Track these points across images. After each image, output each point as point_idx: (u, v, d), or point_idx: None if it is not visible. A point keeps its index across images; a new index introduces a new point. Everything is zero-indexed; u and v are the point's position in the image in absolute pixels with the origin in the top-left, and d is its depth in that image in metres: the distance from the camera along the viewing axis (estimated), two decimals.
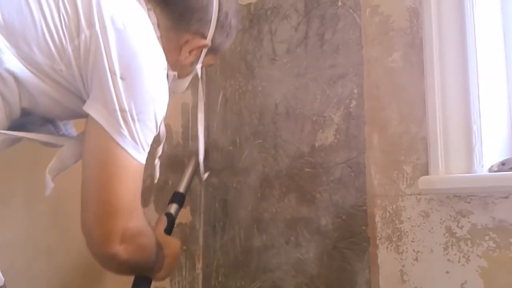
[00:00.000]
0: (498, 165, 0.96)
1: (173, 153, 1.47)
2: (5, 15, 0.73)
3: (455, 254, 0.98)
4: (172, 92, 0.92)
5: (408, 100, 1.07)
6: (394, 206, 1.07)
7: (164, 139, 0.96)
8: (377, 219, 1.09)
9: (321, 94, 1.22)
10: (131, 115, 0.75)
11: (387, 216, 1.08)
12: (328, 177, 1.19)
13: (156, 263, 0.92)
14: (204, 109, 1.46)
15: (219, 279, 1.41)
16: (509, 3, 1.06)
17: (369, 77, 1.14)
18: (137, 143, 0.77)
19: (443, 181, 0.98)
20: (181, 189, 1.27)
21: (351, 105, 1.16)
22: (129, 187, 0.78)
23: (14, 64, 0.74)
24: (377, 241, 1.09)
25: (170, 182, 1.45)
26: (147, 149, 0.79)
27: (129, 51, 0.76)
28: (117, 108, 0.74)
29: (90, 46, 0.75)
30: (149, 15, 0.87)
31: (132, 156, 0.76)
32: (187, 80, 1.00)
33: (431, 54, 1.02)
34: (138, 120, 0.76)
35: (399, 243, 1.06)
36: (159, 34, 0.88)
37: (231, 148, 1.43)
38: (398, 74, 1.09)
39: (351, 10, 1.19)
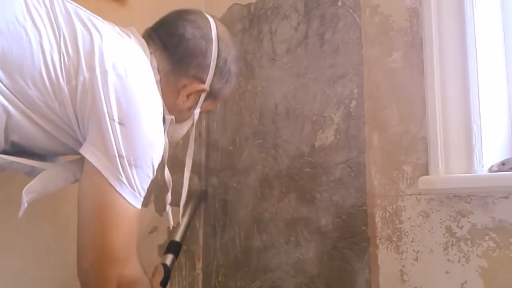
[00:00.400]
0: (498, 165, 0.96)
1: (173, 153, 1.47)
2: (4, 45, 0.71)
3: (455, 254, 0.98)
4: (170, 136, 0.93)
5: (408, 100, 1.07)
6: (394, 206, 1.07)
7: (171, 185, 0.95)
8: (377, 219, 1.09)
9: (321, 94, 1.22)
10: (129, 161, 0.74)
11: (387, 216, 1.08)
12: (328, 177, 1.19)
13: None
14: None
15: (219, 279, 1.41)
16: (509, 3, 1.06)
17: (369, 77, 1.14)
18: (134, 189, 0.76)
19: (443, 181, 0.98)
20: (178, 237, 1.23)
21: (351, 105, 1.16)
22: (125, 233, 0.77)
23: (5, 95, 0.72)
24: (377, 241, 1.09)
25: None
26: (144, 194, 0.78)
27: (128, 97, 0.76)
28: (116, 153, 0.74)
29: (89, 89, 0.74)
30: (150, 59, 0.87)
31: (129, 203, 0.76)
32: (186, 125, 0.99)
33: (431, 54, 1.02)
34: (136, 166, 0.75)
35: (399, 243, 1.06)
36: (158, 78, 0.88)
37: (231, 148, 1.43)
38: (398, 74, 1.09)
39: (351, 10, 1.19)
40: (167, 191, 0.97)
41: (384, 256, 1.08)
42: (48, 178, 0.80)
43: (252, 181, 1.36)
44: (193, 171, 1.48)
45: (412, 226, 1.04)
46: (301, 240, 1.22)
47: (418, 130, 1.05)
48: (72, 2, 0.83)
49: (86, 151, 0.75)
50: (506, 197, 0.92)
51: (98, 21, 0.82)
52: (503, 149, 1.02)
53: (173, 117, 0.93)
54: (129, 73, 0.77)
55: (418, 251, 1.03)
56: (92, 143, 0.75)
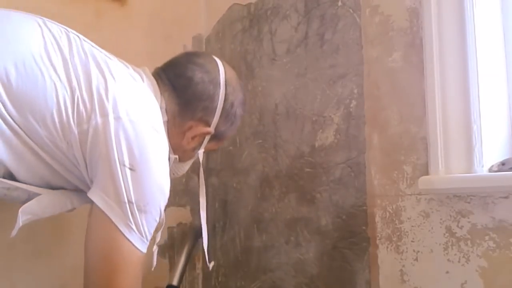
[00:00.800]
0: (498, 165, 0.96)
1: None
2: (19, 83, 0.72)
3: (455, 254, 0.98)
4: (172, 173, 0.92)
5: (408, 100, 1.07)
6: (394, 206, 1.07)
7: (163, 224, 0.95)
8: (377, 219, 1.09)
9: (321, 94, 1.22)
10: (138, 207, 0.75)
11: (387, 216, 1.08)
12: (328, 177, 1.19)
13: None
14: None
15: (219, 279, 1.41)
16: (509, 3, 1.05)
17: (369, 77, 1.14)
18: (142, 235, 0.76)
19: (443, 181, 0.98)
20: (175, 281, 1.22)
21: (351, 105, 1.16)
22: (132, 278, 0.77)
23: (13, 128, 0.73)
24: (377, 241, 1.09)
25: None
26: (150, 238, 0.79)
27: (140, 143, 0.76)
28: (126, 200, 0.74)
29: (101, 134, 0.74)
30: (160, 100, 0.88)
31: (137, 248, 0.76)
32: (188, 164, 1.01)
33: (431, 54, 1.02)
34: (145, 211, 0.76)
35: (399, 243, 1.06)
36: (166, 119, 0.89)
37: (231, 148, 1.43)
38: (398, 74, 1.09)
39: (351, 10, 1.19)
40: (158, 229, 0.97)
41: (384, 256, 1.08)
42: (45, 201, 0.80)
43: (252, 181, 1.36)
44: (193, 171, 1.48)
45: (412, 226, 1.04)
46: (301, 240, 1.22)
47: (418, 130, 1.05)
48: (89, 41, 0.84)
49: (95, 195, 0.75)
50: (506, 197, 0.92)
51: (113, 63, 0.82)
52: (503, 149, 1.02)
53: (177, 156, 0.94)
54: (141, 120, 0.78)
55: (418, 251, 1.03)
56: (101, 187, 0.75)
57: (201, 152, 0.97)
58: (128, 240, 0.75)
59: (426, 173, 1.02)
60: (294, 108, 1.28)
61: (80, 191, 0.84)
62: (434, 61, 1.01)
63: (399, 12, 1.10)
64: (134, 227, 0.75)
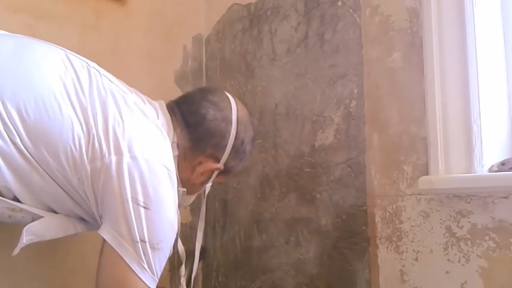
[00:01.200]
0: (498, 165, 0.96)
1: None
2: (37, 116, 0.74)
3: (455, 254, 0.98)
4: (178, 205, 0.93)
5: (408, 100, 1.07)
6: (394, 206, 1.07)
7: (185, 258, 0.96)
8: (377, 219, 1.09)
9: (321, 94, 1.22)
10: (152, 245, 0.75)
11: (387, 216, 1.08)
12: (328, 177, 1.19)
13: None
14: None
15: (219, 279, 1.41)
16: (509, 3, 1.06)
17: (369, 77, 1.14)
18: (154, 273, 0.77)
19: (443, 181, 0.98)
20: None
21: (351, 105, 1.16)
22: None
23: (27, 159, 0.74)
24: (377, 241, 1.09)
25: None
26: (159, 275, 0.79)
27: (154, 182, 0.77)
28: (138, 239, 0.74)
29: (115, 173, 0.75)
30: (173, 135, 0.89)
31: (147, 285, 0.76)
32: (194, 196, 1.02)
33: (431, 54, 1.02)
34: (158, 249, 0.76)
35: (399, 243, 1.06)
36: (176, 153, 0.90)
37: None
38: (398, 74, 1.09)
39: (351, 10, 1.19)
40: (181, 263, 0.97)
41: (384, 256, 1.08)
42: (49, 223, 0.80)
43: (252, 181, 1.36)
44: None
45: (412, 226, 1.04)
46: (301, 240, 1.22)
47: (418, 130, 1.05)
48: (108, 76, 0.85)
49: (107, 233, 0.75)
50: (506, 197, 0.92)
51: (130, 99, 0.84)
52: (503, 149, 1.02)
53: (185, 189, 0.95)
54: (154, 159, 0.79)
55: (418, 251, 1.03)
56: (113, 226, 0.75)
57: (208, 185, 0.99)
58: (140, 279, 0.75)
59: (426, 173, 1.02)
60: (294, 108, 1.28)
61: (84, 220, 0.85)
62: (434, 61, 1.01)
63: (399, 12, 1.10)
64: (146, 266, 0.75)
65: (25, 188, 0.77)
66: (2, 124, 0.72)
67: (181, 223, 1.42)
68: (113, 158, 0.75)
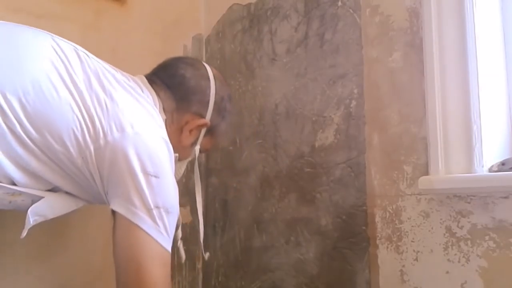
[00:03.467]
0: (498, 165, 0.96)
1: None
2: (36, 102, 0.75)
3: (455, 254, 0.98)
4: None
5: (408, 100, 1.07)
6: (394, 206, 1.07)
7: (181, 221, 0.99)
8: (377, 219, 1.09)
9: (321, 94, 1.22)
10: (165, 210, 0.79)
11: (387, 216, 1.08)
12: (328, 177, 1.19)
13: None
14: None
15: (219, 279, 1.41)
16: (509, 3, 1.06)
17: (369, 77, 1.14)
18: (168, 235, 0.80)
19: (443, 181, 0.98)
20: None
21: (351, 105, 1.16)
22: (165, 278, 0.80)
23: (28, 147, 0.76)
24: (377, 241, 1.09)
25: None
26: (171, 241, 0.82)
27: (158, 152, 0.81)
28: (152, 206, 0.77)
29: (119, 148, 0.77)
30: (158, 102, 0.92)
31: (166, 250, 0.79)
32: (184, 163, 1.05)
33: (431, 54, 1.02)
34: (171, 213, 0.80)
35: (399, 243, 1.06)
36: (164, 117, 0.93)
37: (231, 148, 1.43)
38: (398, 74, 1.09)
39: (351, 10, 1.19)
40: (177, 227, 0.99)
41: (384, 256, 1.08)
42: (53, 201, 0.82)
43: (252, 181, 1.36)
44: (193, 171, 1.48)
45: (412, 226, 1.04)
46: (301, 240, 1.22)
47: (418, 130, 1.05)
48: (95, 58, 0.87)
49: (120, 207, 0.78)
50: (506, 197, 0.92)
51: (118, 78, 0.87)
52: (503, 149, 1.02)
53: (177, 154, 0.96)
54: (154, 132, 0.83)
55: (418, 251, 1.03)
56: (125, 199, 0.77)
57: (197, 148, 1.01)
58: (159, 243, 0.78)
59: (426, 173, 1.02)
60: (294, 108, 1.28)
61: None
62: (434, 61, 1.01)
63: (399, 12, 1.10)
64: (163, 230, 0.78)
65: (24, 175, 0.78)
66: (1, 114, 0.74)
67: (181, 223, 1.43)
68: (116, 135, 0.78)
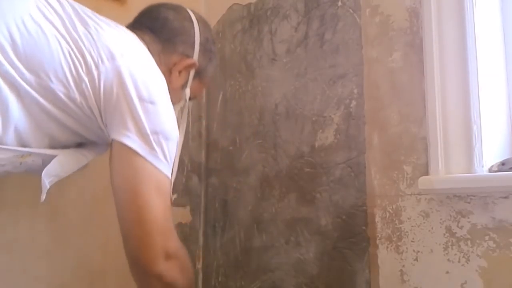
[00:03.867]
0: (498, 165, 0.96)
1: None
2: (24, 43, 0.74)
3: (455, 254, 0.98)
4: None
5: (408, 100, 1.07)
6: (394, 206, 1.07)
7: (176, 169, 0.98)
8: (377, 219, 1.09)
9: (321, 94, 1.22)
10: (164, 135, 0.79)
11: (387, 216, 1.08)
12: (328, 177, 1.19)
13: None
14: (204, 110, 1.47)
15: (219, 279, 1.41)
16: (509, 3, 1.06)
17: (369, 77, 1.14)
18: (168, 161, 0.80)
19: (443, 181, 0.98)
20: None
21: (351, 105, 1.16)
22: (164, 204, 0.80)
23: (21, 88, 0.75)
24: (377, 241, 1.09)
25: None
26: (171, 169, 0.82)
27: (152, 79, 0.82)
28: (149, 132, 0.78)
29: (114, 77, 0.78)
30: (143, 45, 0.92)
31: (165, 175, 0.80)
32: (176, 109, 1.03)
33: (431, 54, 1.02)
34: (170, 139, 0.80)
35: (399, 243, 1.06)
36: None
37: (231, 148, 1.43)
38: (398, 74, 1.09)
39: (351, 10, 1.19)
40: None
41: (384, 256, 1.08)
42: (64, 160, 0.83)
43: (252, 181, 1.36)
44: (193, 171, 1.48)
45: (412, 226, 1.04)
46: (301, 240, 1.22)
47: (418, 130, 1.05)
48: (77, 3, 0.86)
49: (118, 134, 0.78)
50: (506, 197, 0.92)
51: (100, 16, 0.87)
52: (503, 149, 1.02)
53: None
54: (146, 58, 0.84)
55: (418, 251, 1.03)
56: (123, 127, 0.78)
57: (187, 91, 1.01)
58: (157, 168, 0.78)
59: (426, 173, 1.02)
60: (294, 108, 1.28)
61: (87, 144, 0.88)
62: (434, 61, 1.01)
63: (399, 12, 1.10)
64: (161, 156, 0.78)
65: (27, 123, 0.77)
66: None
67: (181, 223, 1.43)
68: (108, 65, 0.78)
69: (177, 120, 0.99)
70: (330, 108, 1.20)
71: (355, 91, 1.16)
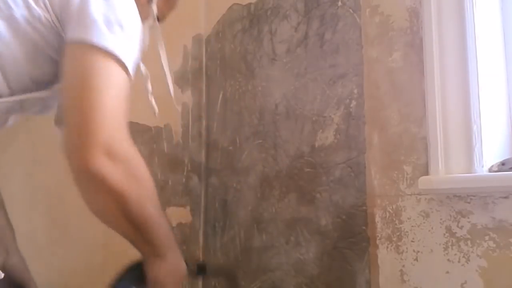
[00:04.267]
0: (498, 165, 0.96)
1: (173, 152, 1.47)
2: None
3: (455, 254, 0.98)
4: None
5: (408, 100, 1.07)
6: (394, 206, 1.07)
7: (149, 76, 0.92)
8: (377, 219, 1.09)
9: (321, 94, 1.22)
10: (118, 22, 0.73)
11: (387, 216, 1.08)
12: (328, 177, 1.19)
13: (163, 232, 0.80)
14: (204, 110, 1.46)
15: (219, 279, 1.41)
16: (509, 3, 1.06)
17: (369, 77, 1.14)
18: (127, 54, 0.73)
19: (443, 181, 0.98)
20: None
21: (351, 105, 1.16)
22: (114, 95, 0.71)
23: None
24: (377, 241, 1.09)
25: (170, 182, 1.44)
26: (132, 64, 0.75)
27: None
28: (102, 19, 0.72)
29: None
30: None
31: (116, 61, 0.72)
32: (146, 28, 0.96)
33: (431, 54, 1.02)
34: (125, 27, 0.74)
35: (399, 243, 1.06)
36: None
37: (231, 148, 1.43)
38: (398, 74, 1.09)
39: (351, 10, 1.19)
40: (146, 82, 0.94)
41: (384, 256, 1.08)
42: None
43: (252, 181, 1.36)
44: (193, 171, 1.48)
45: (412, 226, 1.04)
46: (301, 240, 1.22)
47: (418, 130, 1.05)
48: None
49: (71, 30, 0.73)
50: (506, 197, 0.92)
51: None
52: (503, 149, 1.02)
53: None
54: None
55: (418, 251, 1.03)
56: (75, 21, 0.73)
57: (154, 7, 0.94)
58: (107, 51, 0.71)
59: (426, 173, 1.02)
60: (294, 108, 1.28)
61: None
62: (434, 61, 1.01)
63: (399, 12, 1.10)
64: (113, 41, 0.72)
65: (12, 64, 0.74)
66: None
67: (181, 223, 1.43)
68: None
69: (147, 39, 0.93)
70: (330, 108, 1.20)
71: (355, 91, 1.16)
